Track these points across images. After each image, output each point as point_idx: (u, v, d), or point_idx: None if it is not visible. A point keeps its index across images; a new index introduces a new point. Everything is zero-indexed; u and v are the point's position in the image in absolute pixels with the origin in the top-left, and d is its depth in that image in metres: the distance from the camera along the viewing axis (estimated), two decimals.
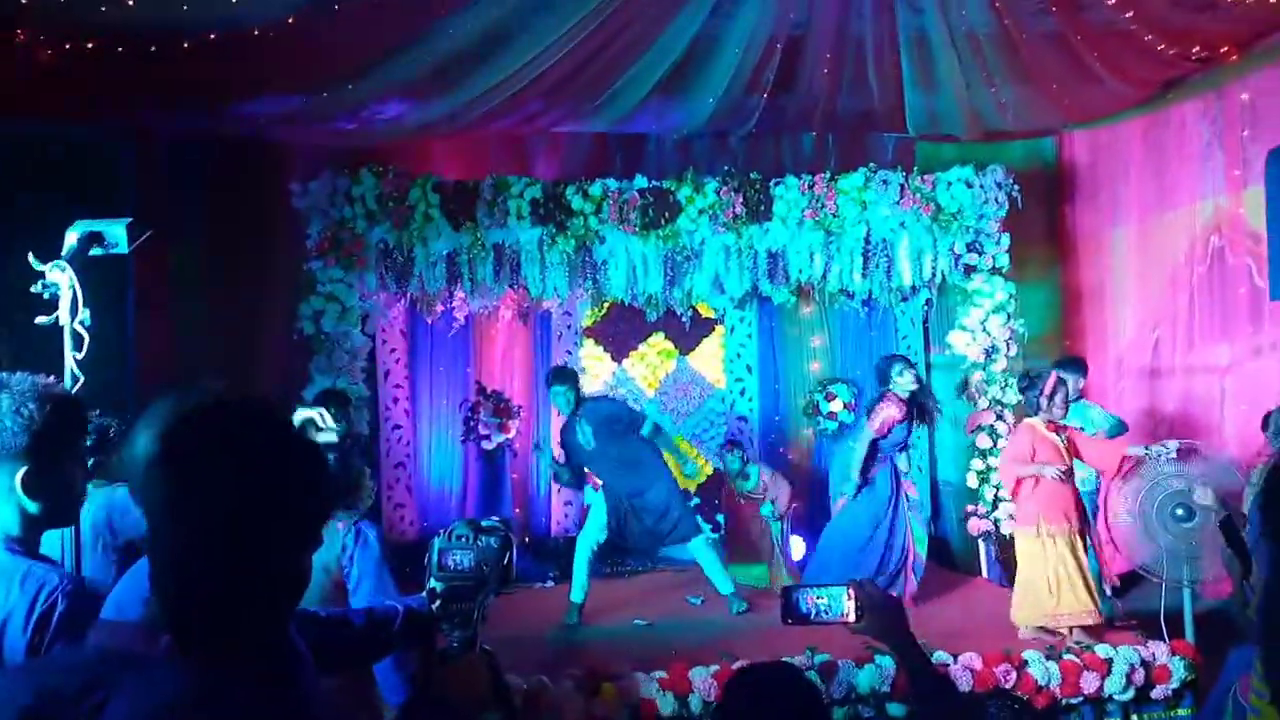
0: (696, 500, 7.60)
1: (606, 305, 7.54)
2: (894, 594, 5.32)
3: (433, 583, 1.81)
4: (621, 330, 7.77)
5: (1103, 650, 4.75)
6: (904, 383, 5.91)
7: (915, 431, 6.17)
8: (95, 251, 2.43)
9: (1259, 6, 5.19)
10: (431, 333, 7.28)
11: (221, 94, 5.63)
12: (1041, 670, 4.62)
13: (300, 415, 2.18)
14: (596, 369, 7.80)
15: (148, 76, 5.16)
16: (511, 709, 1.83)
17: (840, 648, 4.56)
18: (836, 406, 7.51)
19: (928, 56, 5.72)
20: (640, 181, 6.46)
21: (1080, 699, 4.66)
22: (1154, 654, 4.77)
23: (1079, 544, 5.13)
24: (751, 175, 6.53)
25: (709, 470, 7.40)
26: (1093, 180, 7.42)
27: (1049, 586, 5.11)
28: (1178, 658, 4.77)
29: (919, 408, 6.01)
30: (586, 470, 6.20)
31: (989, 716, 3.12)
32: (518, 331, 7.67)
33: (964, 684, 4.50)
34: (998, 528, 6.66)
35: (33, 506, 1.82)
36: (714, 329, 7.93)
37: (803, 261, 6.55)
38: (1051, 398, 5.15)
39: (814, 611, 1.94)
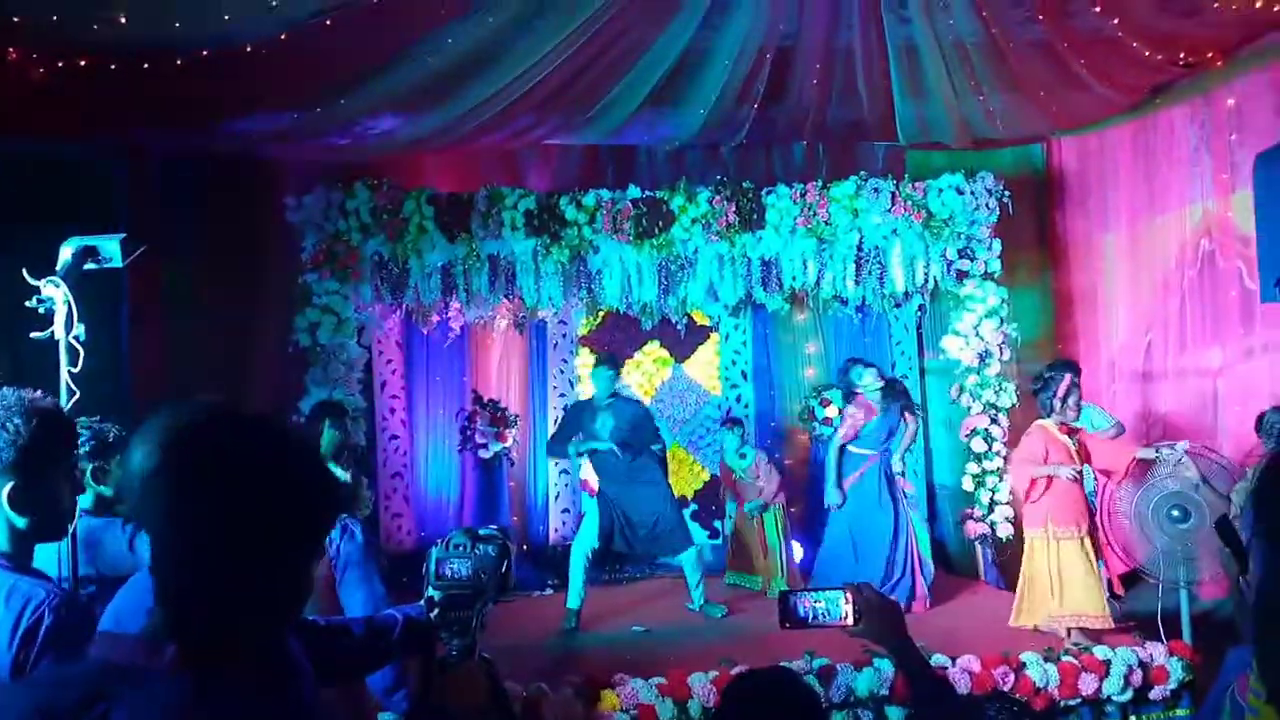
0: (694, 507, 7.61)
1: (602, 314, 7.57)
2: (898, 600, 5.35)
3: (431, 591, 1.82)
4: (617, 339, 7.79)
5: (1101, 652, 4.76)
6: (868, 382, 6.00)
7: (897, 428, 6.15)
8: (89, 266, 2.44)
9: (1243, 11, 5.23)
10: (427, 343, 7.30)
11: (214, 110, 5.64)
12: (1040, 672, 4.63)
13: None
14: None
15: (140, 94, 5.17)
16: (511, 717, 1.83)
17: (838, 651, 4.56)
18: (832, 412, 7.51)
19: (916, 65, 5.75)
20: (633, 192, 6.49)
21: (1079, 700, 4.67)
22: (1152, 655, 4.79)
23: (1088, 546, 5.14)
24: (744, 184, 6.56)
25: (705, 477, 7.40)
26: (1082, 186, 7.46)
27: (1050, 588, 5.12)
28: (1175, 658, 4.78)
29: (898, 404, 6.03)
30: (584, 470, 6.21)
31: (988, 719, 3.12)
32: (513, 341, 7.69)
33: (962, 686, 4.51)
34: (994, 531, 6.68)
35: (20, 521, 1.82)
36: (709, 336, 7.96)
37: (796, 269, 6.58)
38: (1065, 400, 5.18)
39: (812, 615, 1.94)
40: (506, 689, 1.93)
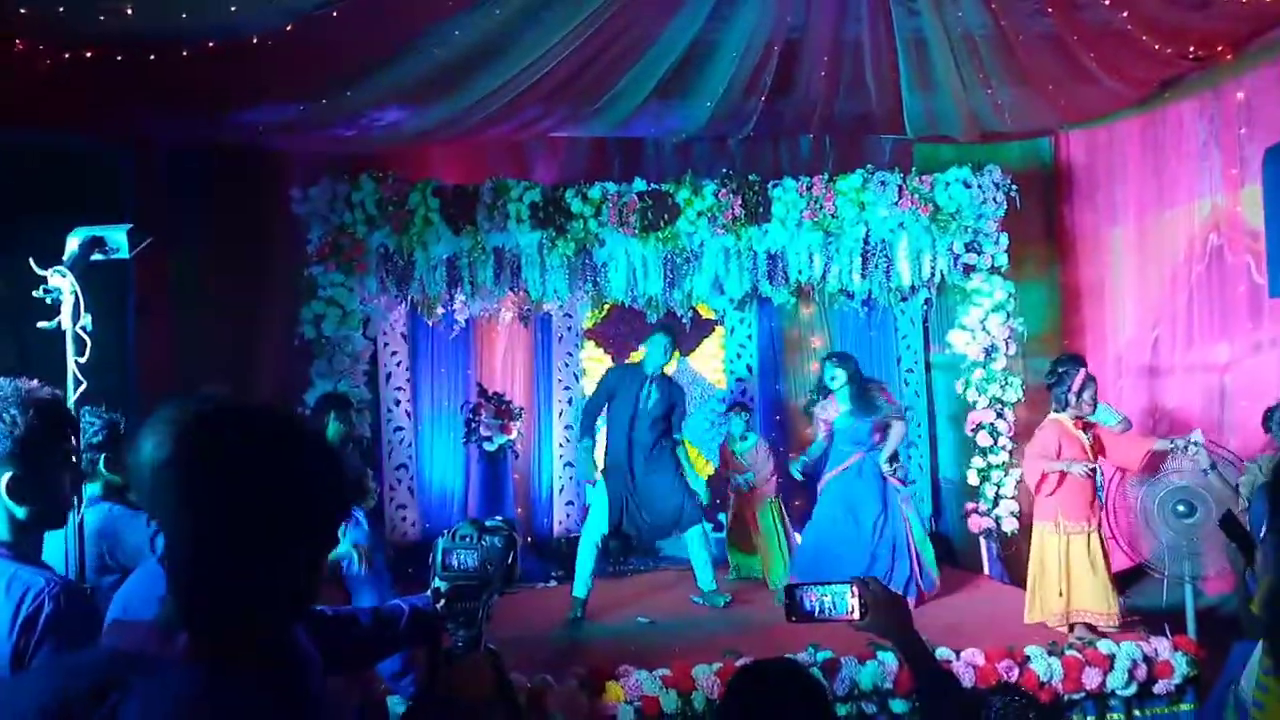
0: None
1: (607, 307, 7.57)
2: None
3: (437, 582, 1.82)
4: (622, 332, 7.79)
5: (1105, 646, 4.75)
6: (834, 381, 5.99)
7: (880, 428, 6.07)
8: (96, 257, 2.45)
9: (1254, 5, 5.20)
10: (432, 336, 7.30)
11: (220, 102, 5.64)
12: (1044, 666, 4.62)
13: None
14: (597, 371, 7.81)
15: (146, 85, 5.17)
16: (516, 708, 1.84)
17: (843, 644, 4.56)
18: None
19: (925, 58, 5.73)
20: (639, 184, 6.48)
21: (1083, 695, 4.66)
22: (1156, 650, 4.77)
23: (1096, 542, 5.13)
24: (750, 177, 6.54)
25: (710, 470, 7.41)
26: (1090, 180, 7.43)
27: (1059, 585, 5.11)
28: (1180, 653, 4.77)
29: (869, 406, 5.99)
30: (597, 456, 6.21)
31: (992, 712, 3.12)
32: (518, 334, 7.69)
33: (967, 680, 4.50)
34: (999, 525, 6.67)
35: (20, 511, 1.83)
36: (714, 330, 7.96)
37: (802, 262, 6.56)
38: (1080, 394, 5.15)
39: (818, 609, 1.94)
40: (512, 680, 1.93)
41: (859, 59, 5.79)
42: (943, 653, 4.58)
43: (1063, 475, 5.14)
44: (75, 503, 2.25)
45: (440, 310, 6.94)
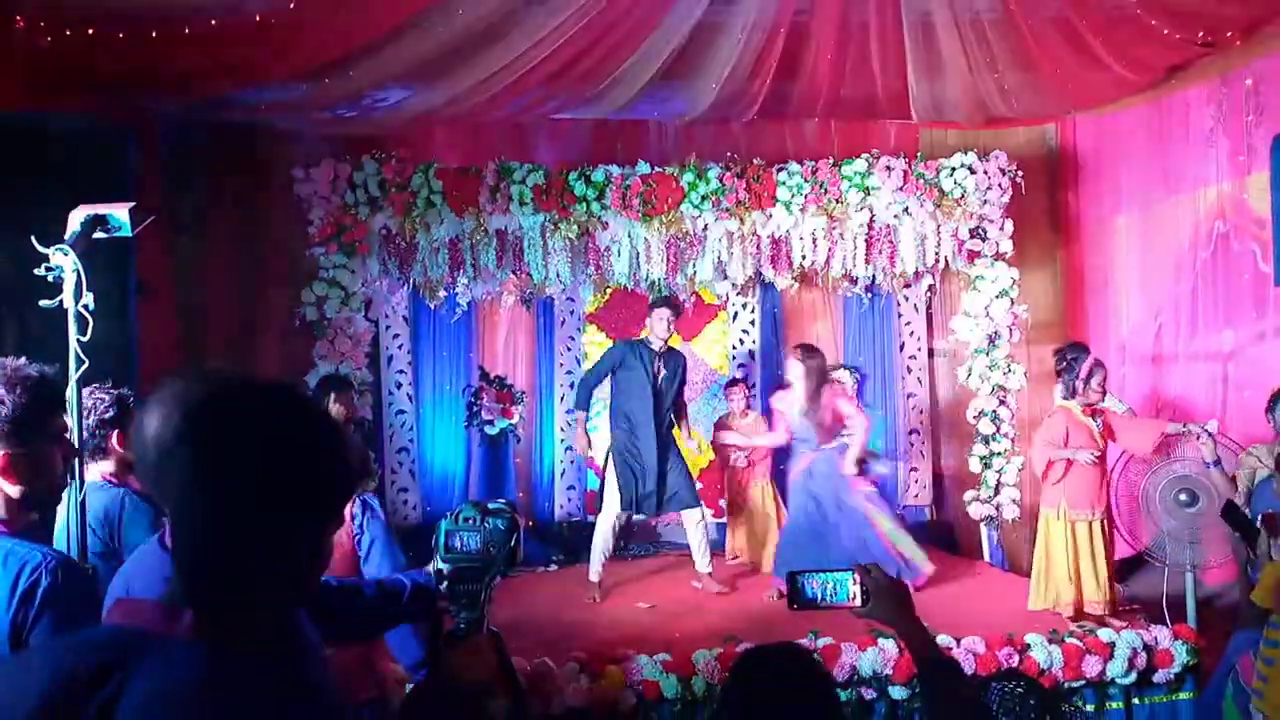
0: (699, 485, 7.62)
1: (609, 291, 7.55)
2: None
3: (439, 564, 1.82)
4: (624, 316, 7.77)
5: (1105, 634, 4.76)
6: (792, 373, 5.95)
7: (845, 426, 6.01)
8: (99, 235, 2.43)
9: None
10: (434, 319, 7.29)
11: (223, 81, 5.61)
12: (1044, 654, 4.63)
13: None
14: (599, 355, 7.80)
15: (148, 63, 5.14)
16: (519, 690, 1.83)
17: (842, 631, 4.57)
18: None
19: (932, 42, 5.68)
20: (643, 167, 6.44)
21: (1082, 683, 4.67)
22: (1156, 638, 4.78)
23: (1099, 530, 5.12)
24: (754, 161, 6.51)
25: (711, 455, 7.40)
26: (1096, 166, 7.39)
27: (1069, 573, 5.12)
28: (1180, 642, 4.77)
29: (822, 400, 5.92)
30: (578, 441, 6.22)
31: (993, 697, 3.11)
32: (520, 317, 7.68)
33: (967, 667, 4.52)
34: (1000, 512, 6.67)
35: (12, 489, 1.84)
36: (717, 315, 7.94)
37: (805, 247, 6.54)
38: (1088, 381, 5.15)
39: (820, 596, 1.94)
40: (514, 663, 1.93)
41: (865, 42, 5.74)
42: (943, 640, 4.58)
43: (1069, 463, 5.14)
44: (77, 481, 2.25)
45: (442, 293, 6.93)
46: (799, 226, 6.50)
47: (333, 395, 5.37)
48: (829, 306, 7.76)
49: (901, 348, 7.75)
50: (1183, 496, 4.92)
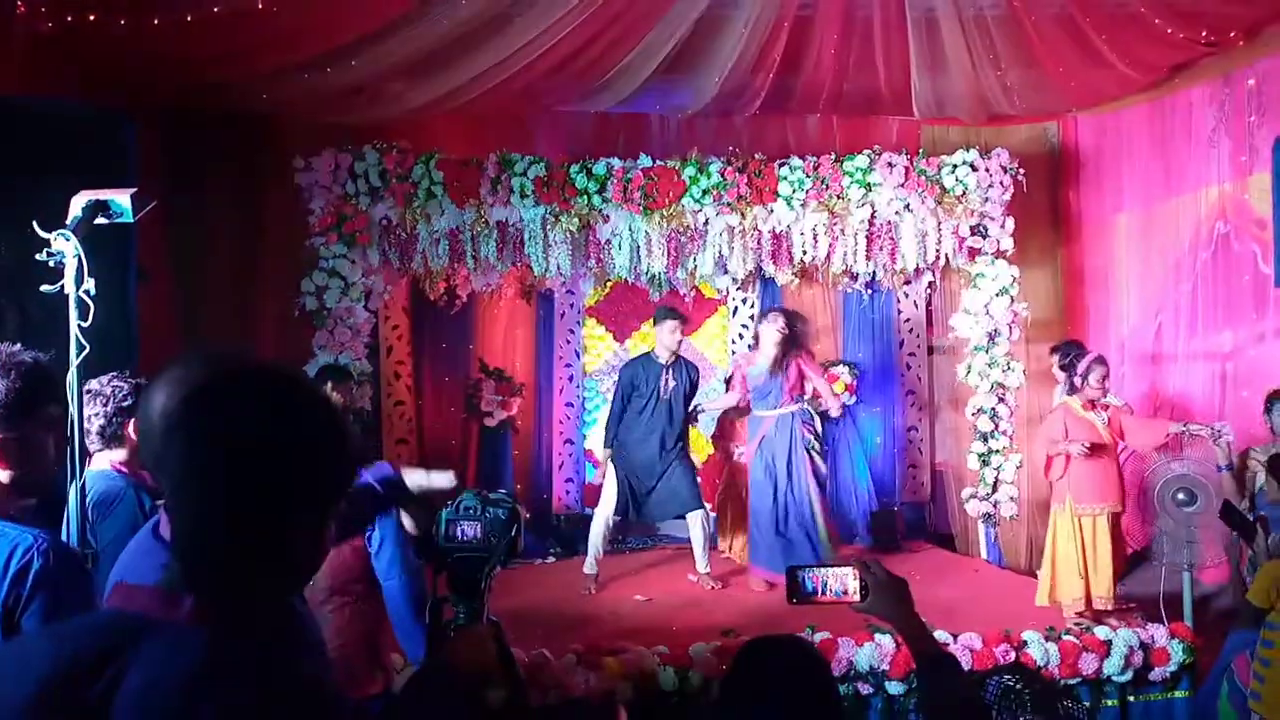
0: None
1: (609, 284, 7.54)
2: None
3: (440, 553, 1.82)
4: (624, 310, 7.77)
5: (1102, 632, 4.76)
6: (765, 335, 5.98)
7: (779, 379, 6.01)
8: (100, 221, 2.42)
9: None
10: (434, 310, 7.27)
11: (224, 69, 5.59)
12: (1040, 651, 4.64)
13: None
14: (598, 348, 7.81)
15: (150, 50, 5.13)
16: (518, 680, 1.83)
17: (840, 625, 4.58)
18: (838, 388, 7.50)
19: (935, 38, 5.68)
20: (644, 161, 6.43)
21: (1078, 680, 4.68)
22: (1153, 636, 4.78)
23: (1105, 525, 5.12)
24: (756, 156, 6.50)
25: (710, 449, 7.41)
26: (1098, 165, 7.39)
27: (1078, 568, 5.13)
28: (1176, 640, 4.78)
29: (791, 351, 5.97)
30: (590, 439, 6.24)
31: (990, 692, 3.12)
32: (520, 310, 7.67)
33: (964, 664, 4.52)
34: (998, 510, 6.68)
35: (2, 474, 1.84)
36: (717, 309, 7.93)
37: (806, 243, 6.53)
38: (1087, 377, 5.17)
39: (819, 590, 1.94)
40: (513, 653, 1.92)
41: (869, 37, 5.74)
42: (940, 636, 4.59)
43: (1069, 458, 5.15)
44: (76, 468, 2.24)
45: (442, 284, 6.92)
46: (800, 222, 6.49)
47: (331, 385, 5.35)
48: (829, 302, 7.75)
49: (901, 344, 7.75)
50: (1181, 496, 4.93)
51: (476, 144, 6.59)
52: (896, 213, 6.50)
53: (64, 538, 2.26)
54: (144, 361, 5.09)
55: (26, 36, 4.84)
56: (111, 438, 2.60)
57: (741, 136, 7.07)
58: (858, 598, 1.92)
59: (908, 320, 7.72)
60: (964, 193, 6.50)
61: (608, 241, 6.45)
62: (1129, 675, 4.72)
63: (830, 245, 6.53)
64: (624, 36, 5.58)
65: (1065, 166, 7.51)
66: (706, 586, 5.96)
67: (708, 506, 6.18)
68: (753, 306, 7.80)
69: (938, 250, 6.57)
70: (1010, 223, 6.63)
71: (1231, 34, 5.77)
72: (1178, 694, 4.80)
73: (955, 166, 6.52)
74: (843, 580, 1.93)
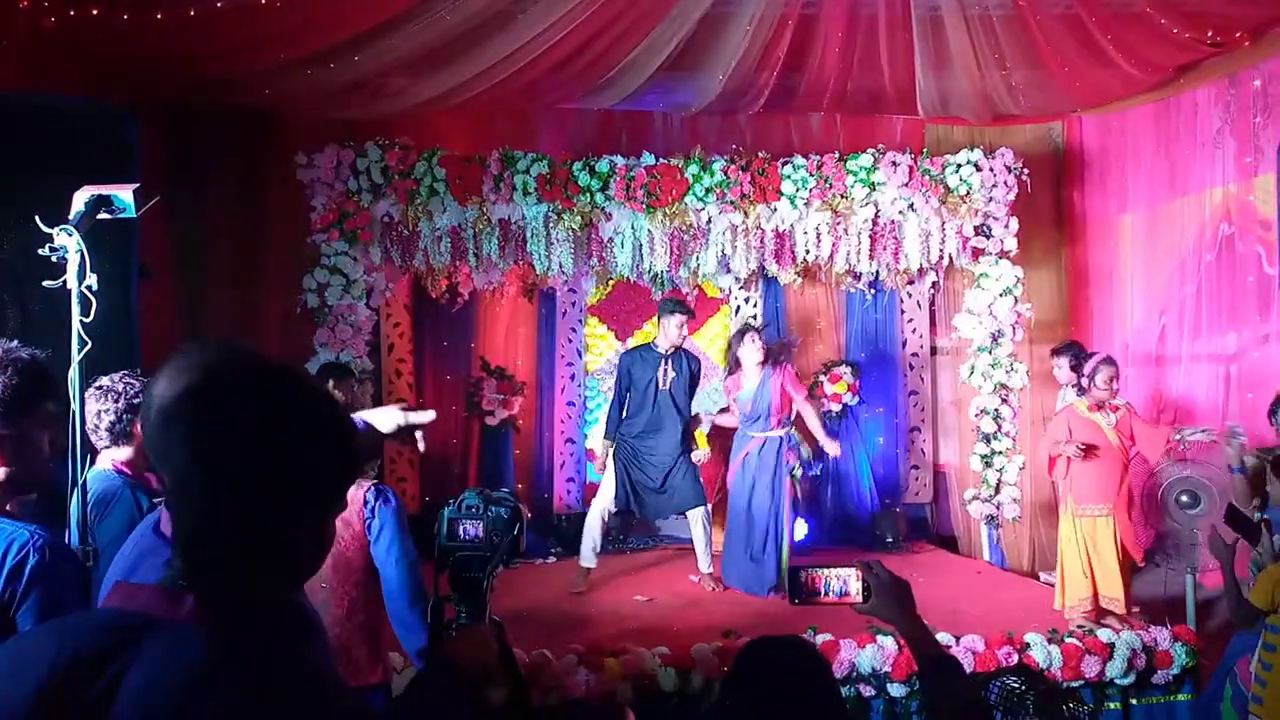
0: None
1: (612, 283, 7.53)
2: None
3: (442, 552, 1.81)
4: (626, 308, 7.75)
5: (1104, 635, 4.75)
6: (746, 355, 5.94)
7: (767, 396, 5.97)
8: (103, 216, 2.41)
9: None
10: (436, 308, 7.26)
11: (227, 64, 5.58)
12: (1043, 653, 4.62)
13: None
14: (600, 347, 7.80)
15: (153, 45, 5.12)
16: (520, 680, 1.82)
17: (842, 627, 4.57)
18: (840, 388, 7.50)
19: (940, 37, 5.66)
20: (647, 159, 6.42)
21: (1081, 683, 4.66)
22: (1156, 639, 4.77)
23: (1109, 526, 5.09)
24: (760, 154, 6.49)
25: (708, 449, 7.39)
26: (1102, 165, 7.37)
27: (1083, 570, 5.11)
28: (1179, 643, 4.76)
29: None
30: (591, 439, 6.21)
31: (993, 695, 3.11)
32: (522, 308, 7.65)
33: (966, 666, 4.50)
34: (1000, 511, 6.67)
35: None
36: (719, 309, 7.91)
37: (809, 242, 6.51)
38: (1092, 378, 5.16)
39: (821, 591, 1.94)
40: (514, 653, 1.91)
41: (873, 36, 5.72)
42: (942, 638, 4.57)
43: (1070, 458, 5.14)
44: (79, 466, 2.23)
45: (444, 282, 6.91)
46: (803, 221, 6.48)
47: (332, 383, 5.36)
48: (832, 302, 7.73)
49: (904, 345, 7.73)
50: (1184, 498, 4.91)
51: (479, 141, 6.58)
52: (900, 212, 6.49)
53: (66, 535, 2.25)
54: (145, 358, 5.10)
55: (29, 32, 4.83)
56: (120, 435, 2.59)
57: (745, 135, 7.06)
58: (860, 599, 1.92)
59: (911, 320, 7.70)
60: (968, 192, 6.49)
61: (610, 240, 6.44)
62: (1132, 678, 4.70)
63: (833, 244, 6.52)
64: (627, 34, 5.57)
65: (1070, 167, 7.49)
66: (708, 588, 5.94)
67: (709, 505, 6.17)
68: (755, 306, 7.78)
69: (941, 250, 6.55)
70: (1014, 223, 6.62)
71: (1237, 34, 5.75)
72: (1180, 697, 4.78)
73: (959, 166, 6.50)
74: (845, 581, 1.93)
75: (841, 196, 6.43)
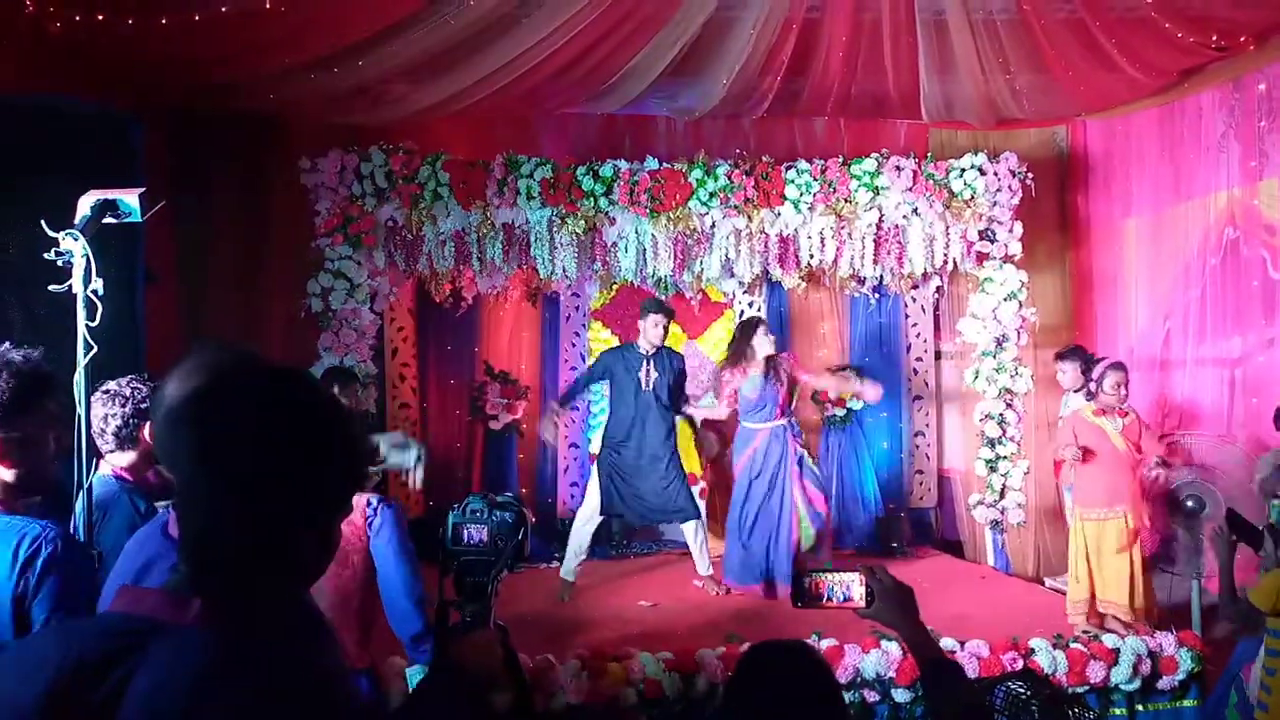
0: (702, 484, 7.59)
1: (615, 287, 7.53)
2: None
3: (447, 556, 1.80)
4: (629, 313, 7.74)
5: (1110, 640, 4.74)
6: (760, 344, 5.87)
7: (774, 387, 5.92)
8: (108, 220, 2.42)
9: None
10: (439, 312, 7.26)
11: (232, 68, 5.60)
12: (1048, 659, 4.61)
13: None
14: (603, 349, 7.79)
15: (157, 50, 5.13)
16: (524, 685, 1.82)
17: (845, 632, 4.55)
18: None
19: (944, 41, 5.66)
20: (651, 163, 6.42)
21: (1086, 688, 4.65)
22: (1161, 645, 4.75)
23: (1121, 531, 5.05)
24: (763, 158, 6.49)
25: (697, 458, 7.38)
26: (1107, 169, 7.36)
27: (1076, 574, 5.10)
28: (1185, 649, 4.75)
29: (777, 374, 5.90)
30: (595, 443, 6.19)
31: (996, 700, 3.10)
32: (526, 312, 7.65)
33: (971, 671, 4.50)
34: (1005, 516, 6.65)
35: (6, 473, 1.85)
36: (723, 313, 7.91)
37: (813, 246, 6.51)
38: (1100, 383, 5.17)
39: (824, 595, 1.94)
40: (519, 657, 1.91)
41: (877, 40, 5.71)
42: (947, 643, 4.56)
43: (1077, 461, 5.14)
44: (84, 468, 2.23)
45: (448, 286, 6.91)
46: (807, 225, 6.48)
47: (336, 387, 5.36)
48: (836, 306, 7.71)
49: (908, 349, 7.72)
50: (1190, 504, 4.91)
51: (483, 146, 6.59)
52: (904, 216, 6.49)
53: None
54: (150, 362, 5.11)
55: (34, 36, 4.84)
56: (126, 440, 2.59)
57: (749, 139, 7.06)
58: (863, 603, 1.91)
59: (915, 325, 7.69)
60: (972, 196, 6.49)
61: (614, 244, 6.44)
62: (1137, 684, 4.69)
63: (837, 249, 6.52)
64: (631, 38, 5.57)
65: (1074, 171, 7.48)
66: (711, 591, 5.93)
67: (704, 512, 6.14)
68: (759, 310, 7.77)
69: (945, 254, 6.55)
70: (1018, 227, 6.62)
71: (1242, 38, 5.74)
72: (1186, 703, 4.77)
73: (963, 170, 6.50)
74: (848, 586, 1.93)
75: (845, 201, 6.43)
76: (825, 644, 4.51)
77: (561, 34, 5.33)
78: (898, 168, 6.43)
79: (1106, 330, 7.31)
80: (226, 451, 1.07)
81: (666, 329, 5.94)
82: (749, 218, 6.42)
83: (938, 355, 7.67)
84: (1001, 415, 6.62)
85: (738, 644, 4.52)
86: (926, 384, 7.68)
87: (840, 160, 6.48)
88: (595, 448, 7.42)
